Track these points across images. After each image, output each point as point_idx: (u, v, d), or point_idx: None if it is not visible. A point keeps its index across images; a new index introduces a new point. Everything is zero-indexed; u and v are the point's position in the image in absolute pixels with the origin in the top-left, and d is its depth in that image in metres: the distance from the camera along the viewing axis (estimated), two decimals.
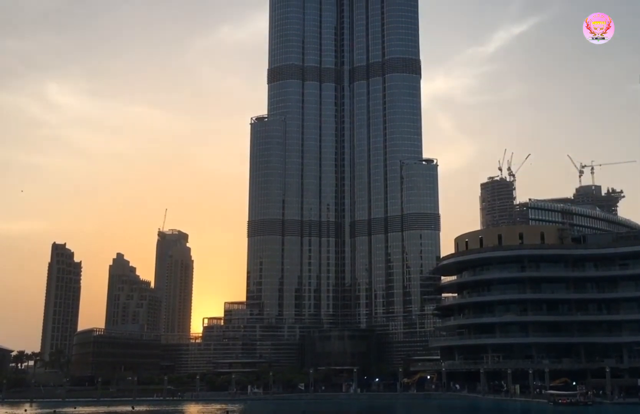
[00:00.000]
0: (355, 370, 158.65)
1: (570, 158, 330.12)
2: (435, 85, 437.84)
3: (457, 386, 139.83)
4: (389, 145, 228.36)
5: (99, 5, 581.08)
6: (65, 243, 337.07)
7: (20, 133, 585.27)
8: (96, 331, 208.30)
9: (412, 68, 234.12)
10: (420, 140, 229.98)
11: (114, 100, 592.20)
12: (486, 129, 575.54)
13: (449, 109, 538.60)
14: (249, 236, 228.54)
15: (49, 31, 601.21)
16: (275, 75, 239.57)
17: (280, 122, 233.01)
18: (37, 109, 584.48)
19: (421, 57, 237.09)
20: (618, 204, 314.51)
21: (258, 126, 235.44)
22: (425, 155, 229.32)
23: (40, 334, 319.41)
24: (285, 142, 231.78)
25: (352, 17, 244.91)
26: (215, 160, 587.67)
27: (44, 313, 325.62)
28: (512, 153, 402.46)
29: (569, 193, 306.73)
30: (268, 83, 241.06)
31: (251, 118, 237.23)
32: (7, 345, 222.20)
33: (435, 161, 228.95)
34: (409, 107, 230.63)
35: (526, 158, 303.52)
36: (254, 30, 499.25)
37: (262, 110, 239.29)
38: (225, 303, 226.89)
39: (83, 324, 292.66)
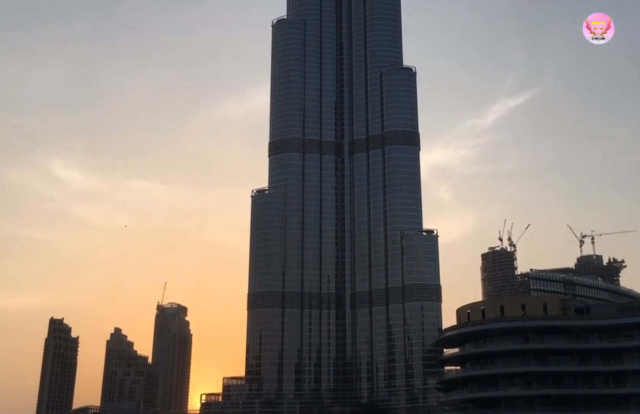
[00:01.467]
0: None
1: (570, 228, 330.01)
2: (435, 157, 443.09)
3: None
4: (389, 216, 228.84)
5: (103, 82, 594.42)
6: (62, 318, 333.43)
7: (24, 208, 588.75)
8: (91, 409, 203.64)
9: (411, 140, 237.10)
10: (420, 211, 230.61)
11: (116, 174, 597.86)
12: (486, 200, 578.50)
13: (449, 180, 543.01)
14: (248, 309, 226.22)
15: (54, 108, 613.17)
16: (276, 148, 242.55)
17: (281, 194, 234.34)
18: (41, 184, 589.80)
19: (420, 130, 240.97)
20: (620, 274, 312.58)
21: (259, 198, 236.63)
22: (426, 225, 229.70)
23: (35, 411, 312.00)
24: (285, 213, 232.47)
25: (352, 91, 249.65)
26: (215, 233, 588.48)
27: (39, 389, 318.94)
28: (512, 223, 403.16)
29: (570, 263, 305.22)
30: (269, 156, 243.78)
31: (252, 191, 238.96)
32: None
33: (435, 232, 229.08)
34: (408, 178, 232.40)
35: (526, 229, 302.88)
36: (256, 104, 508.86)
37: (263, 182, 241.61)
38: (223, 378, 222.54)
39: (79, 400, 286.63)
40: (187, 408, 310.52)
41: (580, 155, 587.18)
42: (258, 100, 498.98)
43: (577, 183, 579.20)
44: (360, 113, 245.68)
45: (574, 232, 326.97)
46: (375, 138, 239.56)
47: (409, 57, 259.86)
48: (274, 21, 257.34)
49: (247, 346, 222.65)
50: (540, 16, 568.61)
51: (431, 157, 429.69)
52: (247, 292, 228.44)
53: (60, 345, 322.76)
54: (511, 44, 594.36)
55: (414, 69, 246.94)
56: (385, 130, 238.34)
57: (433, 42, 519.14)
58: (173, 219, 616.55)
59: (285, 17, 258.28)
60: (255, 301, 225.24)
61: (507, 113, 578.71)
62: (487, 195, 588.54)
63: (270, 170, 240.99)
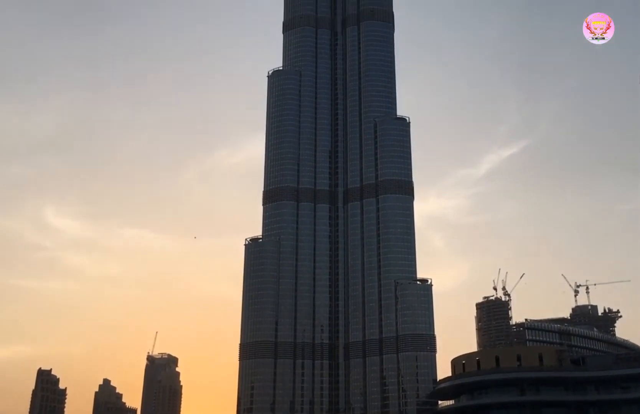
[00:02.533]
0: None
1: (564, 277, 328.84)
2: (428, 206, 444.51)
3: None
4: (383, 265, 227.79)
5: (99, 131, 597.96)
6: (51, 369, 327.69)
7: (14, 256, 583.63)
8: None
9: (405, 189, 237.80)
10: (414, 260, 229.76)
11: (108, 222, 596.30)
12: (480, 249, 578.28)
13: (443, 229, 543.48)
14: (240, 359, 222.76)
15: (50, 156, 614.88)
16: (270, 196, 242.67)
17: (275, 243, 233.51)
18: (33, 232, 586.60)
19: (414, 179, 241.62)
20: (615, 324, 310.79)
21: (252, 247, 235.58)
22: (420, 275, 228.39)
23: None
24: (279, 262, 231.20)
25: (346, 141, 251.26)
26: (208, 282, 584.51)
27: None
28: (507, 272, 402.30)
29: (566, 313, 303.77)
30: (263, 205, 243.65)
31: (245, 239, 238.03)
32: None
33: (429, 281, 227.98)
34: (402, 227, 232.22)
35: (520, 278, 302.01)
36: (250, 153, 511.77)
37: (257, 231, 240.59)
38: None
39: None
40: None
41: (573, 204, 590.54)
42: (253, 149, 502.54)
43: (570, 232, 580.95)
44: (354, 162, 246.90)
45: (568, 282, 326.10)
46: (369, 187, 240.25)
47: (403, 107, 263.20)
48: (270, 72, 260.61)
49: (238, 397, 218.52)
50: (532, 66, 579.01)
51: (425, 206, 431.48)
52: (239, 342, 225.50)
53: (47, 396, 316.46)
54: (504, 94, 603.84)
55: (407, 119, 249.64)
56: (379, 179, 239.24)
57: (427, 92, 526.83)
58: (166, 268, 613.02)
59: (281, 68, 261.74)
60: (247, 351, 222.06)
61: (500, 163, 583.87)
62: (481, 244, 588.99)
63: (264, 218, 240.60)
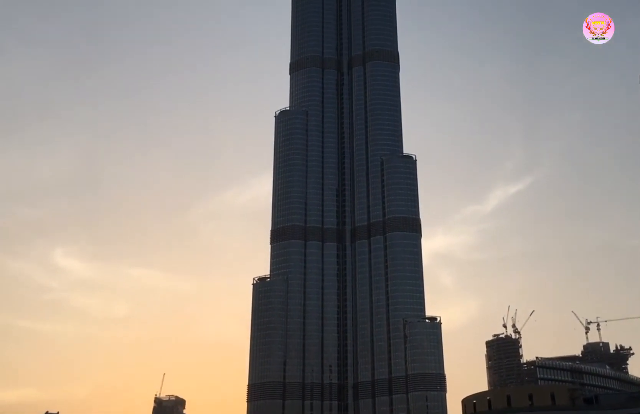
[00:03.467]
0: None
1: (575, 314, 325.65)
2: (436, 243, 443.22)
3: None
4: (392, 304, 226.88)
5: (106, 171, 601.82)
6: (58, 412, 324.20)
7: (22, 298, 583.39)
8: None
9: (413, 227, 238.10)
10: (422, 298, 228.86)
11: (116, 262, 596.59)
12: (488, 286, 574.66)
13: (451, 266, 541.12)
14: (248, 401, 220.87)
15: (58, 197, 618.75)
16: (278, 235, 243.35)
17: (282, 282, 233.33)
18: (40, 274, 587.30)
19: (421, 216, 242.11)
20: (628, 362, 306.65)
21: (260, 286, 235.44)
22: (428, 313, 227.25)
23: None
24: (287, 302, 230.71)
25: (353, 179, 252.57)
26: (216, 322, 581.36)
27: None
28: (516, 310, 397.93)
29: (577, 351, 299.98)
30: (271, 244, 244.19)
31: (253, 279, 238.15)
32: None
33: (438, 319, 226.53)
34: (410, 264, 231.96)
35: (530, 315, 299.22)
36: (258, 192, 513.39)
37: (265, 270, 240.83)
38: None
39: None
40: None
41: (581, 239, 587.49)
42: (260, 189, 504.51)
43: (580, 268, 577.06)
44: (361, 200, 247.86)
45: (579, 319, 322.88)
46: (377, 225, 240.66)
47: (409, 145, 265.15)
48: (277, 112, 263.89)
49: None
50: (537, 102, 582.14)
51: (433, 243, 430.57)
52: (246, 383, 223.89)
53: None
54: (509, 130, 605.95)
55: (414, 156, 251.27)
56: (386, 217, 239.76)
57: (432, 130, 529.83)
58: (173, 308, 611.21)
59: (288, 108, 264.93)
60: (255, 392, 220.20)
61: (507, 199, 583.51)
62: (489, 281, 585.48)
63: (272, 257, 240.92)
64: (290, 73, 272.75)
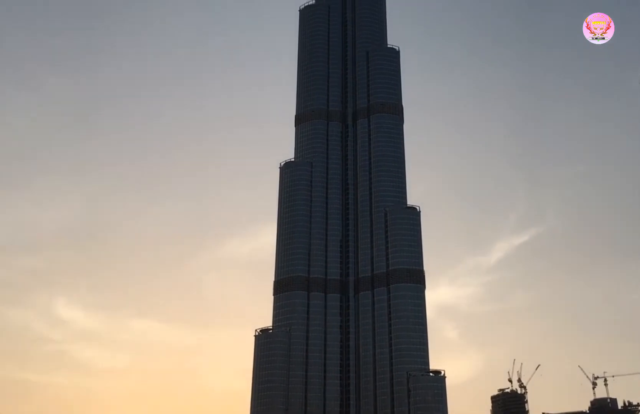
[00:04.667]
0: None
1: (581, 368, 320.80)
2: (440, 295, 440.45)
3: None
4: (395, 357, 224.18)
5: (110, 221, 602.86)
6: None
7: (23, 350, 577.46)
8: None
9: (416, 278, 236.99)
10: (426, 351, 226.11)
11: (117, 314, 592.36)
12: (493, 339, 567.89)
13: (455, 319, 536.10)
14: None
15: (61, 248, 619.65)
16: (281, 286, 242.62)
17: (285, 333, 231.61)
18: (42, 325, 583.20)
19: (425, 268, 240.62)
20: None
21: (262, 338, 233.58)
22: (433, 366, 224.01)
23: None
24: (289, 354, 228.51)
25: (357, 230, 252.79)
26: (217, 374, 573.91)
27: None
28: (522, 363, 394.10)
29: (584, 406, 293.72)
30: (274, 295, 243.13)
31: (255, 330, 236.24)
32: None
33: (443, 373, 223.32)
34: (414, 317, 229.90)
35: (536, 369, 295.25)
36: (261, 243, 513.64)
37: (267, 322, 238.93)
38: None
39: None
40: None
41: (587, 292, 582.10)
42: (264, 240, 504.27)
43: (586, 321, 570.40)
44: (365, 251, 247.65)
45: (585, 373, 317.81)
46: (381, 276, 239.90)
47: (413, 196, 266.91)
48: (282, 163, 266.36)
49: None
50: (540, 154, 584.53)
51: (437, 295, 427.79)
52: None
53: None
54: (513, 182, 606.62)
55: (418, 208, 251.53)
56: (390, 268, 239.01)
57: (436, 181, 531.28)
58: (174, 360, 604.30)
59: (293, 159, 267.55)
60: None
61: (511, 251, 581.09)
62: (494, 334, 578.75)
63: (275, 309, 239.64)
64: (295, 125, 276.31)
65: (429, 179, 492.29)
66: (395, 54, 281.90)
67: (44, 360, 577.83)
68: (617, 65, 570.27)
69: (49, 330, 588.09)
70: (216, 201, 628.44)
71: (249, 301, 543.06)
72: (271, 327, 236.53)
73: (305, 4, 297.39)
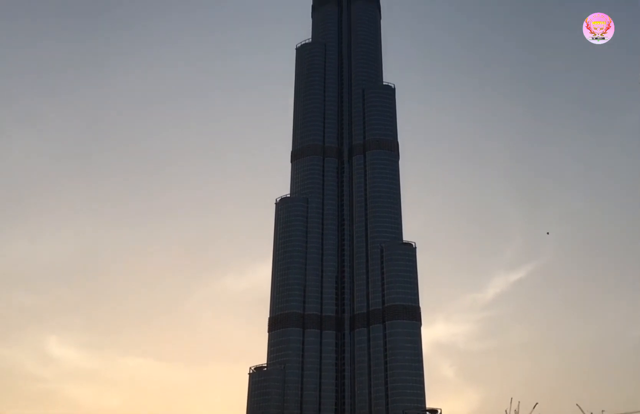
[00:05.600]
0: None
1: (579, 407, 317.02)
2: (436, 332, 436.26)
3: None
4: (391, 395, 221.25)
5: (104, 257, 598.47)
6: None
7: (13, 388, 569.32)
8: None
9: (412, 315, 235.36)
10: (423, 389, 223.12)
11: (110, 351, 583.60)
12: (490, 376, 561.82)
13: (451, 356, 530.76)
14: None
15: (54, 284, 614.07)
16: (276, 323, 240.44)
17: (279, 371, 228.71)
18: (33, 363, 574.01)
19: (421, 304, 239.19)
20: None
21: (256, 376, 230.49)
22: (429, 404, 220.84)
23: None
24: (284, 391, 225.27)
25: (353, 266, 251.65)
26: (211, 411, 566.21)
27: None
28: (519, 402, 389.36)
29: None
30: (269, 332, 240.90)
31: (250, 368, 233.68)
32: None
33: (439, 411, 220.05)
34: (410, 354, 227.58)
35: (534, 408, 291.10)
36: (256, 279, 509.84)
37: (262, 359, 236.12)
38: None
39: None
40: None
41: (583, 329, 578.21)
42: (259, 276, 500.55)
43: (583, 358, 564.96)
44: (361, 288, 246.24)
45: (583, 411, 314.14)
46: (376, 313, 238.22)
47: (409, 232, 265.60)
48: (278, 199, 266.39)
49: None
50: (536, 188, 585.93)
51: (433, 332, 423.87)
52: None
53: None
54: (509, 217, 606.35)
55: (414, 243, 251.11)
56: (386, 305, 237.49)
57: (432, 217, 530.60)
58: (167, 398, 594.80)
59: (289, 195, 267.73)
60: None
61: (507, 287, 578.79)
62: (491, 371, 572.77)
63: (270, 346, 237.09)
64: (291, 161, 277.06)
65: (425, 215, 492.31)
66: (390, 91, 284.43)
67: (34, 399, 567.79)
68: (617, 67, 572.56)
69: (40, 368, 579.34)
70: (212, 237, 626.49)
71: (244, 338, 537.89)
72: (266, 364, 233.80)
73: (302, 42, 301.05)
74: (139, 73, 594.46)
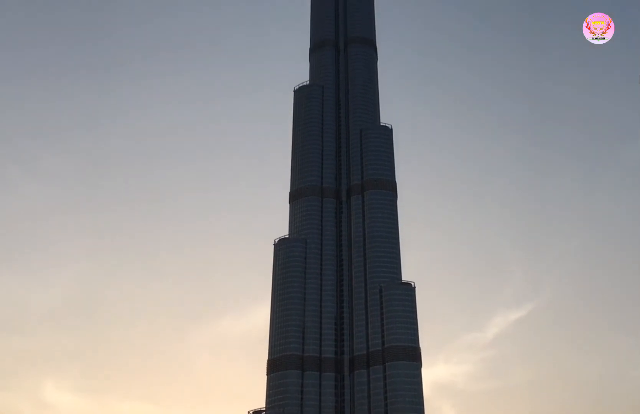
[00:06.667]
0: None
1: None
2: (437, 372, 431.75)
3: None
4: None
5: (101, 301, 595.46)
6: None
7: None
8: None
9: (413, 356, 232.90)
10: None
11: (108, 396, 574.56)
12: None
13: (452, 397, 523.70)
14: None
15: (51, 329, 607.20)
16: (275, 365, 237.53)
17: None
18: (30, 409, 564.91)
19: (421, 345, 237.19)
20: None
21: None
22: None
23: None
24: None
25: (352, 308, 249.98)
26: None
27: None
28: None
29: None
30: (267, 375, 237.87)
31: (248, 411, 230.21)
32: None
33: None
34: (411, 395, 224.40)
35: None
36: (255, 322, 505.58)
37: (261, 402, 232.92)
38: None
39: None
40: None
41: (585, 368, 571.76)
42: (258, 318, 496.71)
43: (584, 397, 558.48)
44: (360, 329, 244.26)
45: None
46: (376, 354, 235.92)
47: (408, 272, 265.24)
48: (276, 240, 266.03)
49: None
50: (536, 227, 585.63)
51: (433, 373, 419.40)
52: None
53: None
54: (508, 256, 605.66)
55: (413, 283, 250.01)
56: (385, 346, 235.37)
57: (431, 257, 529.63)
58: None
59: (287, 236, 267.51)
60: None
61: (508, 326, 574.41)
62: (493, 412, 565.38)
63: (268, 389, 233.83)
64: (289, 202, 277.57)
65: (424, 254, 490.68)
66: (388, 132, 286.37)
67: None
68: (617, 68, 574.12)
69: (37, 413, 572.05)
70: (209, 278, 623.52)
71: (242, 381, 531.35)
72: (264, 408, 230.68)
73: (300, 85, 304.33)
74: (136, 113, 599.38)
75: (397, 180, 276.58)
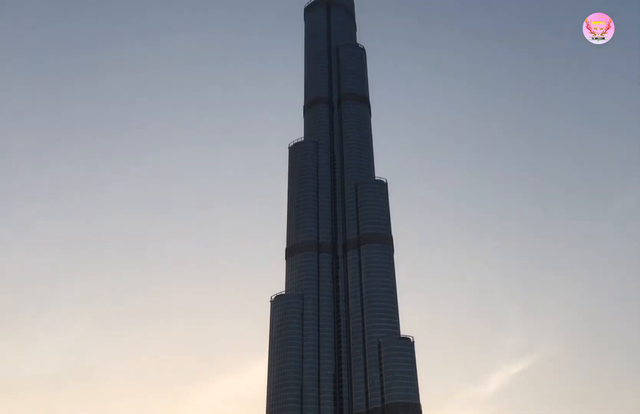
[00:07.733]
0: None
1: None
2: None
3: None
4: None
5: (97, 364, 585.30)
6: None
7: None
8: None
9: (413, 412, 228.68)
10: None
11: None
12: None
13: None
14: None
15: (44, 392, 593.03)
16: None
17: None
18: None
19: (421, 400, 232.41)
20: None
21: None
22: None
23: None
24: None
25: (350, 364, 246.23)
26: None
27: None
28: None
29: None
30: None
31: None
32: None
33: None
34: None
35: None
36: (253, 379, 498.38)
37: None
38: None
39: None
40: None
41: (589, 407, 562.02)
42: (255, 375, 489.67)
43: None
44: (359, 385, 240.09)
45: None
46: (376, 411, 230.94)
47: (406, 326, 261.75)
48: (273, 297, 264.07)
49: None
50: (534, 280, 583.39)
51: None
52: None
53: None
54: (506, 309, 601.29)
55: (412, 338, 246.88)
56: (385, 403, 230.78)
57: (429, 310, 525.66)
58: None
59: (284, 292, 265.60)
60: None
61: (508, 381, 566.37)
62: None
63: None
64: (286, 258, 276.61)
65: (422, 308, 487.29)
66: (383, 186, 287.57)
67: None
68: (617, 69, 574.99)
69: None
70: (206, 338, 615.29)
71: None
72: None
73: (294, 141, 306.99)
74: (133, 179, 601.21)
75: (393, 233, 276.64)
